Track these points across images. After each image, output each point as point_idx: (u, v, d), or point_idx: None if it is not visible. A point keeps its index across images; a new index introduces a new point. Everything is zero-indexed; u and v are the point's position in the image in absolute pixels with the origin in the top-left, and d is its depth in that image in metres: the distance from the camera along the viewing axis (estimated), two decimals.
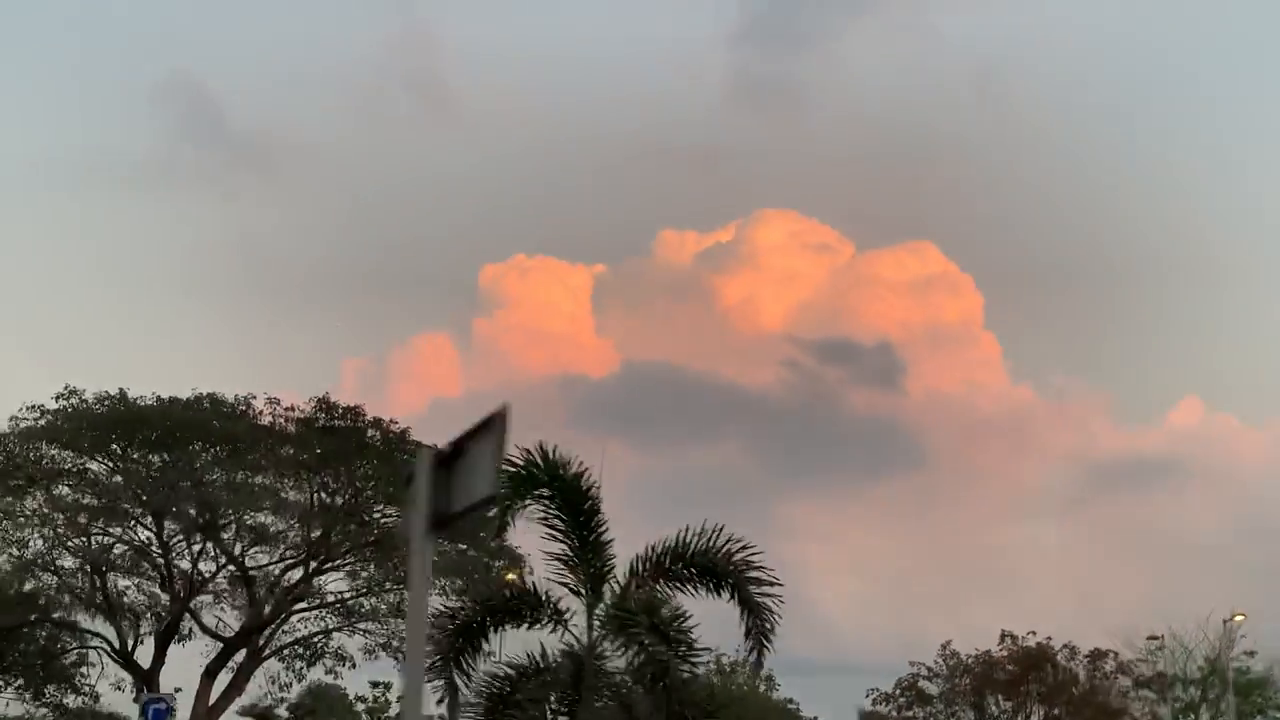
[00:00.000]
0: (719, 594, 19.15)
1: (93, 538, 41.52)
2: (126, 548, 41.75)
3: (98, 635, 42.18)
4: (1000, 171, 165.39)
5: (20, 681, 43.32)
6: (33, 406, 40.59)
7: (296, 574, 42.30)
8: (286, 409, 40.38)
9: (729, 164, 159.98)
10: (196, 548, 41.60)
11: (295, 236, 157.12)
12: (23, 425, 40.42)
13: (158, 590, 42.29)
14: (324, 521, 41.13)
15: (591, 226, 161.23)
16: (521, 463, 18.06)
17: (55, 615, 42.68)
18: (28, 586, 42.02)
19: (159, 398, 39.99)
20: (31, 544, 41.25)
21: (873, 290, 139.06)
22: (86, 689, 44.16)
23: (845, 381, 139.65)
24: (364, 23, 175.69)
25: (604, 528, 18.74)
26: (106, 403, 40.04)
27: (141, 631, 42.90)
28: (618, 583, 18.43)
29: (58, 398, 40.61)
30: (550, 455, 18.33)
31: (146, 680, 41.89)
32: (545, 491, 18.69)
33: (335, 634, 44.64)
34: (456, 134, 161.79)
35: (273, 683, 45.19)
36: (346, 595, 43.51)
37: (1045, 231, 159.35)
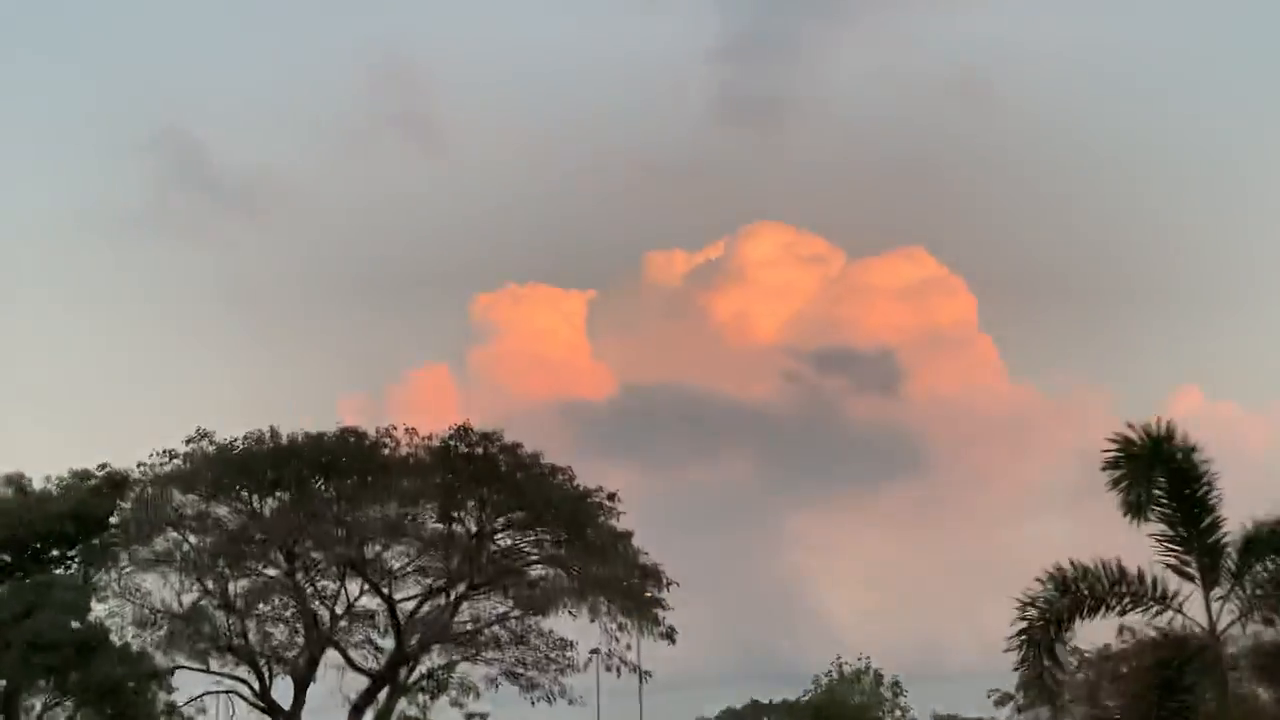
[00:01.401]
0: None
1: (228, 580, 41.31)
2: (263, 587, 41.45)
3: (234, 678, 41.94)
4: (988, 173, 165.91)
5: None
6: (164, 451, 40.45)
7: (434, 604, 42.11)
8: (425, 438, 40.02)
9: (715, 180, 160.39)
10: (335, 584, 41.35)
11: (287, 276, 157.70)
12: (157, 470, 40.27)
13: (297, 628, 41.96)
14: (463, 550, 40.83)
15: (581, 251, 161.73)
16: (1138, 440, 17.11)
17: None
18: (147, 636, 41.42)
19: (306, 433, 39.72)
20: (161, 589, 41.15)
21: (867, 298, 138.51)
22: None
23: (845, 390, 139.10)
24: (347, 62, 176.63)
25: (1217, 506, 17.75)
26: (248, 441, 39.77)
27: (276, 672, 42.65)
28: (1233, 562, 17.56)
29: (188, 441, 40.46)
30: (1163, 432, 17.32)
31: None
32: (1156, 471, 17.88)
33: (460, 664, 44.46)
34: (443, 166, 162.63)
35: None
36: (479, 624, 43.19)
37: (1035, 230, 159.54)
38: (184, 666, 41.81)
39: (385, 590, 40.76)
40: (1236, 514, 19.01)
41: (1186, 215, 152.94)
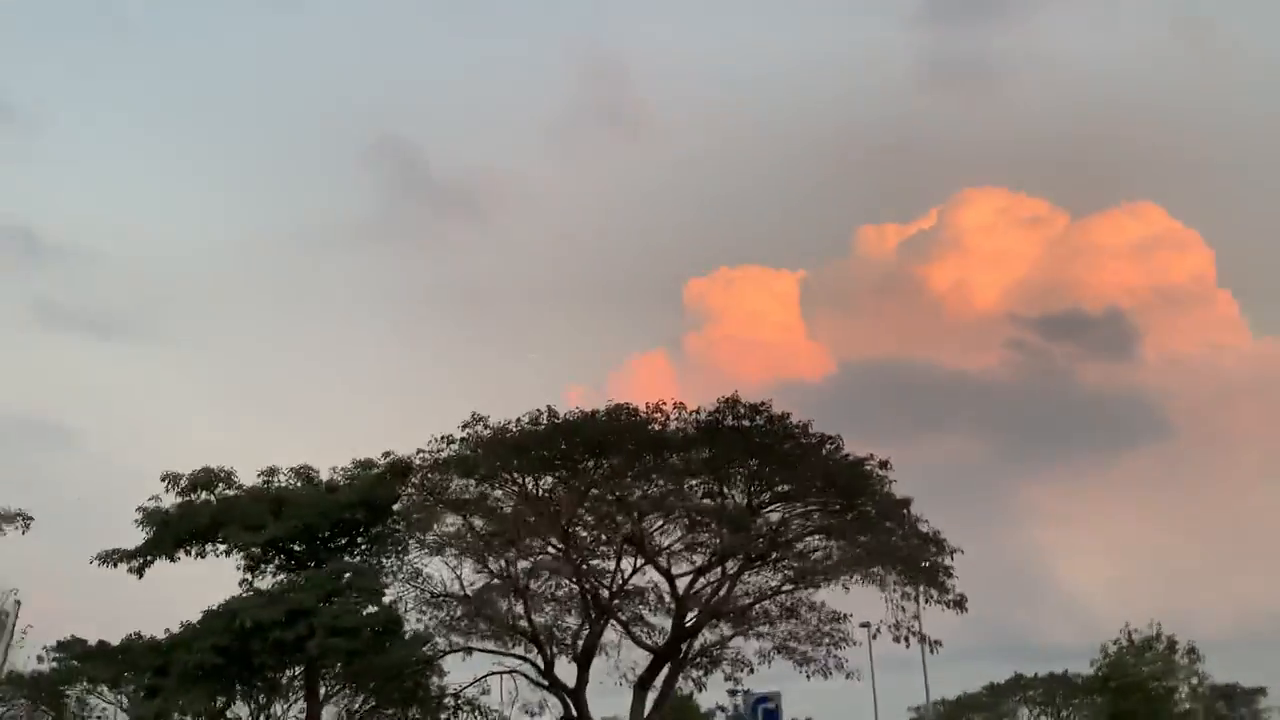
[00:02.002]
0: None
1: (508, 561, 42.09)
2: (542, 566, 42.06)
3: (519, 657, 42.69)
4: (1216, 119, 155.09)
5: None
6: (441, 437, 41.40)
7: (708, 579, 42.06)
8: (693, 412, 39.84)
9: (923, 150, 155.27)
10: (611, 562, 41.66)
11: (507, 273, 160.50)
12: (436, 456, 41.27)
13: (576, 607, 42.48)
14: (734, 523, 40.57)
15: (790, 231, 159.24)
16: None
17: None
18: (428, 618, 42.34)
19: (582, 411, 40.11)
20: (444, 573, 42.19)
21: (1094, 258, 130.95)
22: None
23: (1075, 356, 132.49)
24: (554, 59, 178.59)
25: None
26: (521, 424, 40.37)
27: (558, 652, 43.24)
28: None
29: (464, 426, 41.29)
30: None
31: (574, 698, 42.13)
32: None
33: (734, 640, 44.18)
34: (649, 155, 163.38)
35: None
36: (752, 599, 42.82)
37: (1269, 175, 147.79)
38: (470, 648, 43.01)
39: (664, 565, 40.78)
40: None
41: None
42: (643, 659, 42.86)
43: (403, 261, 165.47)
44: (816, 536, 40.73)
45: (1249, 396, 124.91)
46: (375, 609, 37.78)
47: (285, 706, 48.60)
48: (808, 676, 43.08)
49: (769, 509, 41.32)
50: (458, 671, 44.46)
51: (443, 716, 44.28)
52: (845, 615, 42.64)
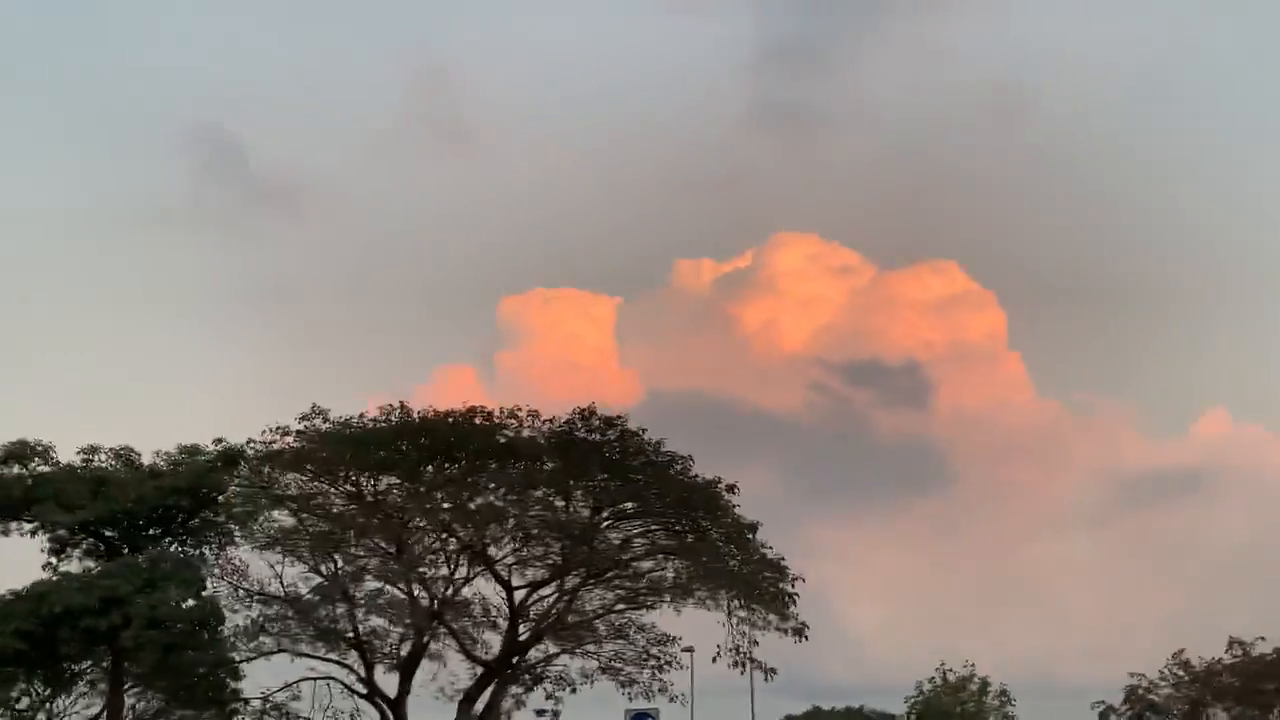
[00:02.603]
0: None
1: (334, 563, 40.37)
2: (369, 570, 40.43)
3: (340, 664, 40.89)
4: (1020, 188, 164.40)
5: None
6: (276, 428, 39.45)
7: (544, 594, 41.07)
8: (546, 420, 38.87)
9: (745, 190, 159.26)
10: (445, 570, 40.29)
11: (319, 275, 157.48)
12: (269, 448, 39.34)
13: (404, 614, 40.90)
14: (577, 539, 39.70)
15: (609, 257, 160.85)
16: None
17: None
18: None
19: (436, 411, 38.67)
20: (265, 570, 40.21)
21: (896, 311, 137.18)
22: None
23: (873, 403, 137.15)
24: (383, 64, 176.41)
25: None
26: (366, 420, 38.79)
27: (380, 660, 41.58)
28: None
29: (302, 418, 39.45)
30: None
31: (394, 709, 40.56)
32: None
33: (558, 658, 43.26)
34: (476, 170, 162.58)
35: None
36: (585, 617, 41.97)
37: (1066, 247, 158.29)
38: (297, 651, 40.95)
39: (504, 575, 39.65)
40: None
41: (1225, 234, 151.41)
42: (463, 672, 41.74)
43: (214, 251, 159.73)
44: (657, 557, 40.14)
45: (1027, 453, 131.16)
46: (194, 602, 35.50)
47: (68, 700, 45.72)
48: (630, 699, 42.61)
49: (611, 525, 40.61)
50: (263, 675, 42.57)
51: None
52: (674, 638, 42.40)
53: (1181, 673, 51.00)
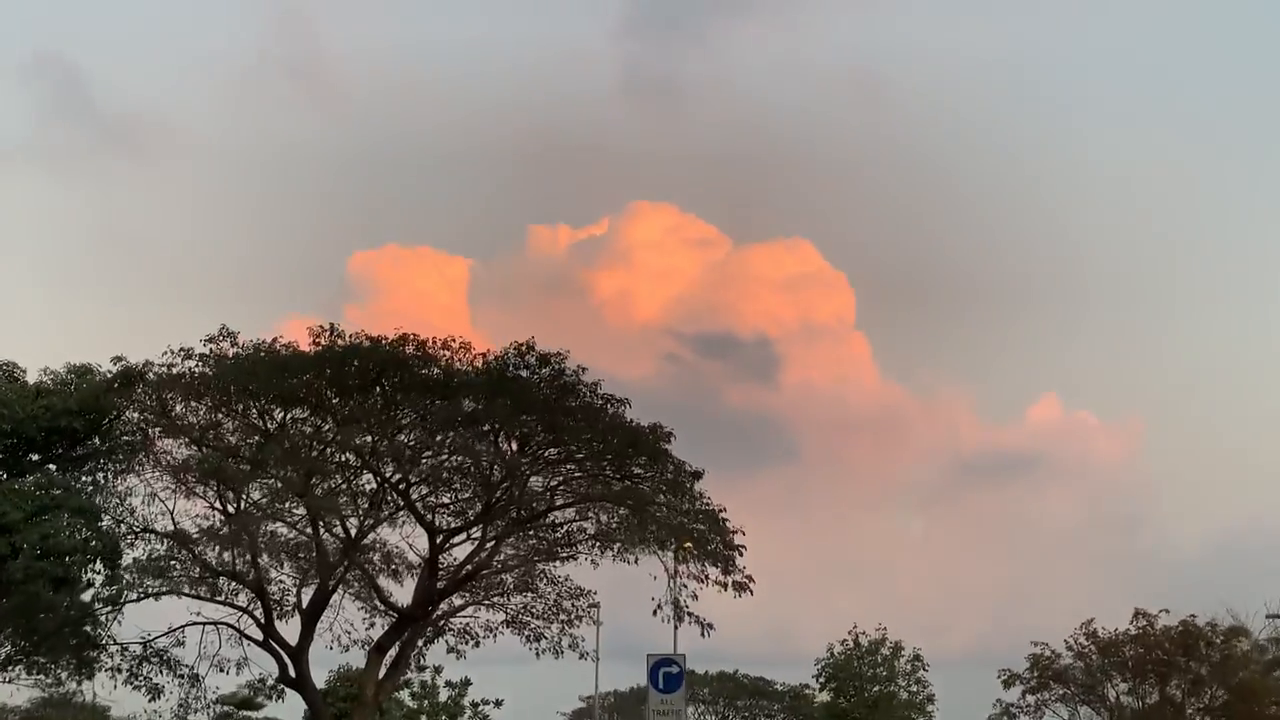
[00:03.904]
0: None
1: (234, 498, 37.24)
2: (273, 506, 37.32)
3: (235, 606, 37.76)
4: (877, 172, 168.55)
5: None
6: (179, 350, 35.98)
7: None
8: (479, 354, 36.18)
9: (605, 159, 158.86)
10: (357, 511, 37.38)
11: (164, 220, 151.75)
12: (170, 371, 35.90)
13: (308, 555, 37.88)
14: (501, 484, 37.22)
15: (465, 218, 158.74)
16: None
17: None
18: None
19: (367, 336, 35.63)
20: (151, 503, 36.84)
21: (749, 286, 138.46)
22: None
23: (723, 375, 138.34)
24: (241, 5, 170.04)
25: None
26: (280, 345, 35.65)
27: (281, 607, 38.61)
28: None
29: (208, 340, 36.08)
30: None
31: (295, 658, 37.67)
32: None
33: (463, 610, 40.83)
34: (332, 118, 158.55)
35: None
36: (503, 565, 39.54)
37: (916, 232, 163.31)
38: (174, 593, 37.68)
39: (428, 518, 36.97)
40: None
41: (1069, 228, 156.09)
42: (358, 621, 39.06)
43: (55, 189, 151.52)
44: (588, 505, 37.87)
45: (869, 432, 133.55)
46: (90, 533, 31.99)
47: None
48: (537, 655, 40.43)
49: (538, 470, 38.15)
50: (144, 619, 39.16)
51: (119, 666, 38.51)
52: (587, 591, 40.36)
53: (1087, 643, 50.79)
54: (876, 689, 49.50)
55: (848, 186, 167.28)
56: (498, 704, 66.20)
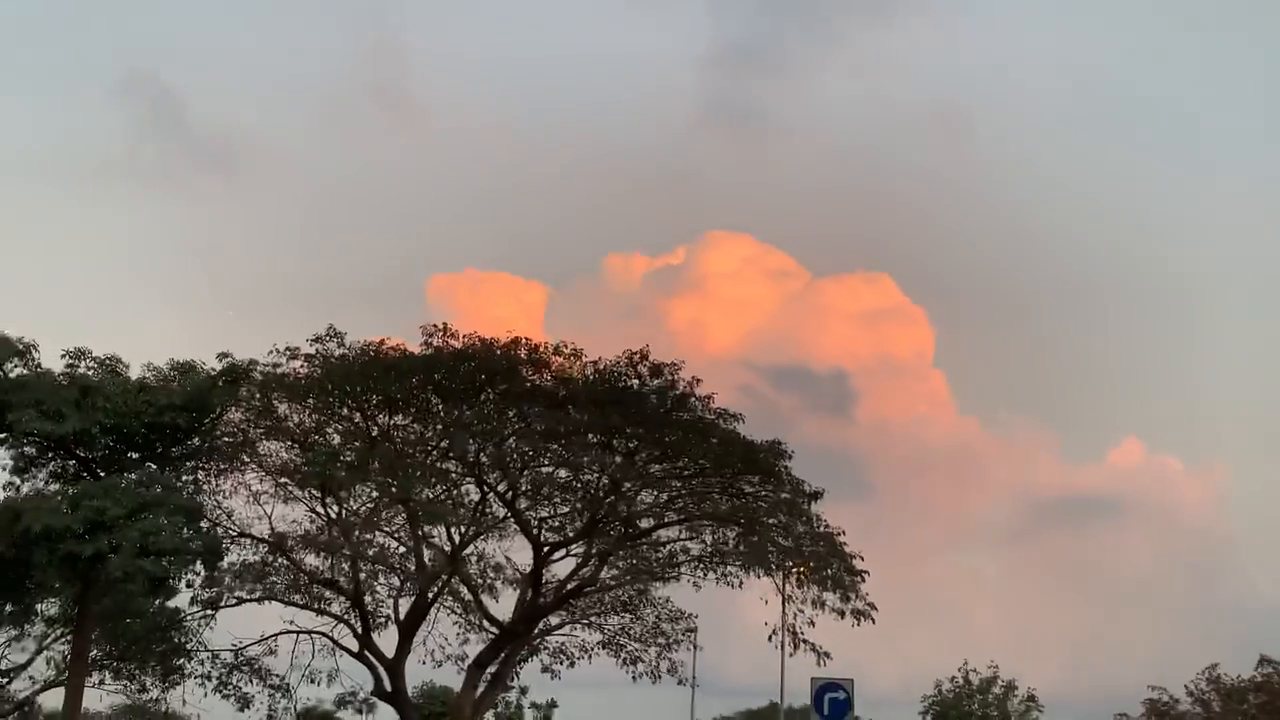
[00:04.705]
0: None
1: (336, 504, 36.19)
2: (376, 515, 36.17)
3: (336, 616, 36.66)
4: (960, 208, 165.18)
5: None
6: (285, 349, 35.08)
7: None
8: (591, 361, 34.79)
9: (685, 187, 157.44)
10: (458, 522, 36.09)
11: (248, 238, 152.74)
12: (277, 370, 34.98)
13: (408, 567, 36.67)
14: (606, 500, 35.78)
15: (543, 244, 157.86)
16: None
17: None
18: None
19: (481, 340, 34.45)
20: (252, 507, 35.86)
21: (827, 319, 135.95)
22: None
23: (798, 408, 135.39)
24: (333, 29, 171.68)
25: None
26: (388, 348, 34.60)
27: (379, 619, 37.40)
28: None
29: (315, 340, 35.14)
30: None
31: (392, 671, 36.49)
32: None
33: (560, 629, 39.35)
34: (417, 144, 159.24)
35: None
36: (603, 585, 38.02)
37: (999, 269, 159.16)
38: (273, 599, 36.65)
39: (534, 531, 35.64)
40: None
41: (1148, 263, 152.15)
42: (452, 635, 37.79)
43: (147, 203, 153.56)
44: (700, 523, 36.27)
45: (944, 469, 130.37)
46: (191, 533, 30.99)
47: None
48: (634, 679, 38.93)
49: (645, 486, 36.63)
50: (236, 626, 38.15)
51: (209, 674, 37.56)
52: (689, 614, 38.87)
53: (1210, 689, 48.24)
54: None
55: (930, 222, 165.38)
56: None
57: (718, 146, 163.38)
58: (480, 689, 36.21)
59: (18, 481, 34.05)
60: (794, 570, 34.01)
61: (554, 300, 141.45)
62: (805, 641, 33.68)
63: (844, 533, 34.65)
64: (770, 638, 33.85)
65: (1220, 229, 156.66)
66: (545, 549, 36.29)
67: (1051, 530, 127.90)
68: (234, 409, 34.80)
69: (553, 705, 63.04)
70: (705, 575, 36.86)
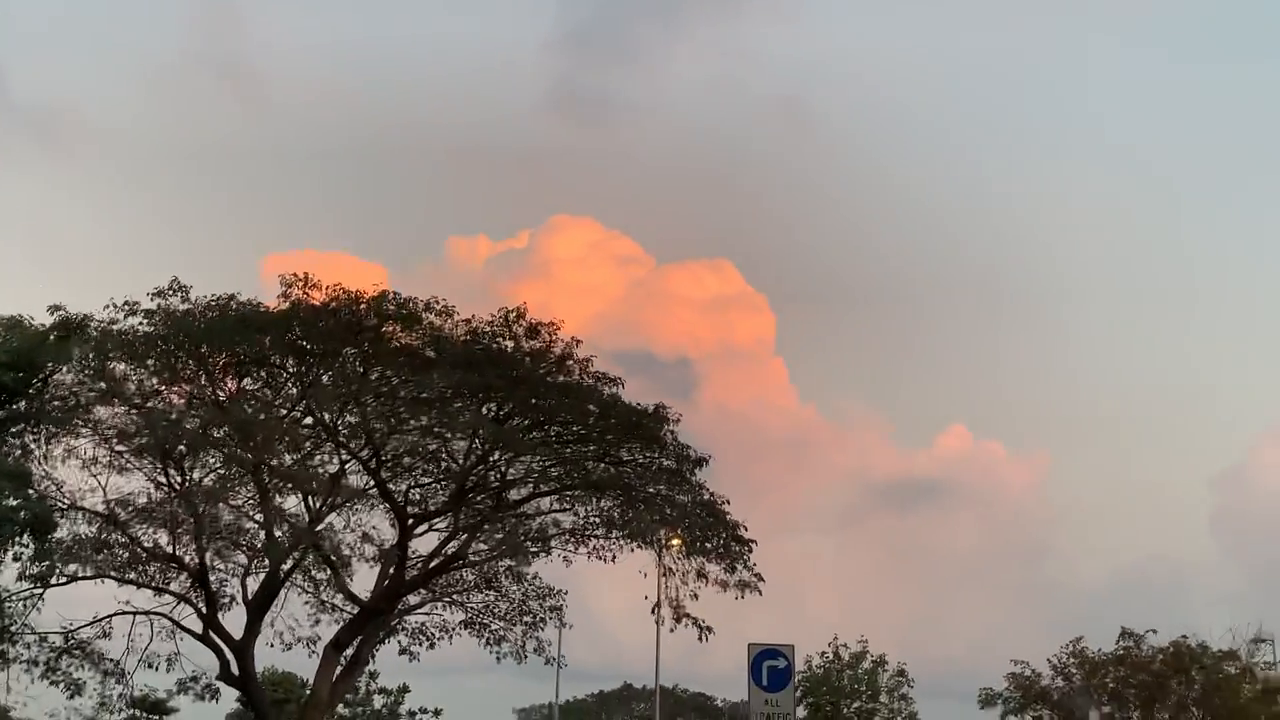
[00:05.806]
0: None
1: (179, 473, 33.30)
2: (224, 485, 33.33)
3: (177, 595, 33.74)
4: (802, 196, 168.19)
5: None
6: (124, 303, 32.00)
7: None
8: (464, 320, 32.50)
9: (529, 171, 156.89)
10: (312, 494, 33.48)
11: (77, 213, 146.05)
12: (114, 326, 31.90)
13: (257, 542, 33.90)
14: (473, 469, 33.63)
15: (385, 225, 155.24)
16: None
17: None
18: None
19: (344, 289, 31.85)
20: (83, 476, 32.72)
21: (670, 305, 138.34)
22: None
23: (642, 393, 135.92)
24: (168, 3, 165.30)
25: None
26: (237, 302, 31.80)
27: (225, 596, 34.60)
28: None
29: (156, 293, 32.08)
30: None
31: (239, 653, 33.76)
32: None
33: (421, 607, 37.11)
34: (253, 117, 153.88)
35: None
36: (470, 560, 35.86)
37: (839, 259, 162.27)
38: (107, 576, 33.49)
39: (400, 501, 33.25)
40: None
41: (978, 253, 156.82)
42: (302, 615, 35.42)
43: None
44: (573, 493, 34.36)
45: (780, 454, 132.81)
46: (19, 502, 27.80)
47: None
48: (498, 659, 36.94)
49: (514, 453, 34.50)
50: (64, 606, 34.94)
51: (36, 659, 34.26)
52: (557, 590, 36.92)
53: (1073, 661, 48.15)
54: (856, 705, 46.63)
55: (773, 210, 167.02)
56: (436, 714, 62.25)
57: (564, 131, 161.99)
58: (337, 671, 33.65)
59: None
60: (675, 541, 32.34)
61: (395, 283, 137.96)
62: (688, 616, 32.14)
63: (729, 501, 33.18)
64: (653, 611, 32.13)
65: (1052, 223, 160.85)
66: (410, 521, 33.95)
67: (884, 513, 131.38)
68: (66, 369, 31.67)
69: (404, 690, 60.17)
70: (577, 550, 35.01)
